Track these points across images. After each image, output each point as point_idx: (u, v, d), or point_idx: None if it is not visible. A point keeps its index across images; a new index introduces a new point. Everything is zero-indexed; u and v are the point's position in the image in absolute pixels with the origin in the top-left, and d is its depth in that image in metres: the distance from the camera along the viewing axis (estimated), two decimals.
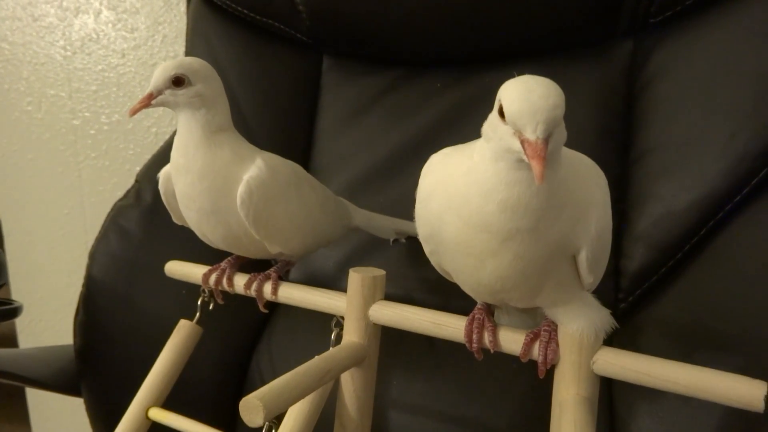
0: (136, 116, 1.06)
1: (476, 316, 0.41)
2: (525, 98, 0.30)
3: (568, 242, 0.35)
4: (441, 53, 0.71)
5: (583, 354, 0.37)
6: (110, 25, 1.05)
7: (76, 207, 1.15)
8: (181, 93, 0.44)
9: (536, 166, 0.29)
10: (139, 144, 1.08)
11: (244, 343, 0.70)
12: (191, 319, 0.57)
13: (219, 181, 0.44)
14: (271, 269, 0.50)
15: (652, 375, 0.35)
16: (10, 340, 1.24)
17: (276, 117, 0.76)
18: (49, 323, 1.20)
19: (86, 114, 1.09)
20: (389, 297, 0.46)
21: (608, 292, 0.58)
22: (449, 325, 0.41)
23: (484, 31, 0.67)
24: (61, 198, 1.14)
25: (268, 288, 0.49)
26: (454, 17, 0.66)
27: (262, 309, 0.50)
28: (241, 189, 0.44)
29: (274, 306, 0.71)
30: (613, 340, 0.57)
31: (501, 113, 0.32)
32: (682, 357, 0.38)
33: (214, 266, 0.52)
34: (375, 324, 0.44)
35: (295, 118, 0.76)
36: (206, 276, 0.52)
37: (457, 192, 0.35)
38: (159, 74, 0.43)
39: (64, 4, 1.06)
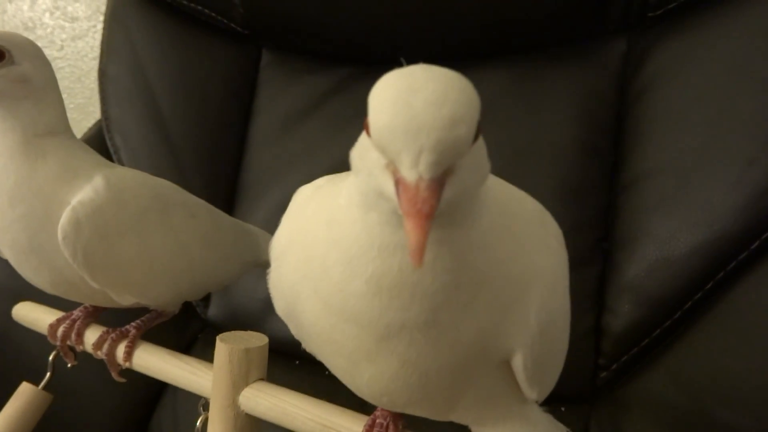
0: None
1: (378, 420, 0.28)
2: (401, 104, 0.17)
3: (493, 341, 0.22)
4: (397, 50, 0.59)
5: None
6: (47, 13, 0.94)
7: None
8: (0, 74, 0.31)
9: (412, 233, 0.16)
10: None
11: (143, 399, 0.57)
12: (76, 370, 0.44)
13: (39, 207, 0.32)
14: (133, 323, 0.38)
15: None
16: None
17: (203, 120, 0.64)
18: None
19: None
20: None
21: (586, 356, 0.45)
22: (341, 430, 0.28)
23: (447, 25, 0.55)
24: None
25: (120, 351, 0.36)
26: (413, 7, 0.54)
27: (116, 378, 0.38)
28: (64, 219, 0.31)
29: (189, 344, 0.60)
30: (590, 418, 0.44)
31: (368, 128, 0.19)
32: None
33: (66, 315, 0.40)
34: (247, 415, 0.31)
35: (225, 122, 0.64)
36: (53, 328, 0.39)
37: (315, 254, 0.22)
38: None
39: None
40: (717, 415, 0.38)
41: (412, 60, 0.64)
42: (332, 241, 0.21)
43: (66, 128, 0.35)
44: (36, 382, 0.57)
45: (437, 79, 0.18)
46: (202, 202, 0.40)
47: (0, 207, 0.32)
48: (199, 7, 0.63)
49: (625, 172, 0.48)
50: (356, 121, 0.59)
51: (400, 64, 0.63)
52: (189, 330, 0.60)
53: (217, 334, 0.62)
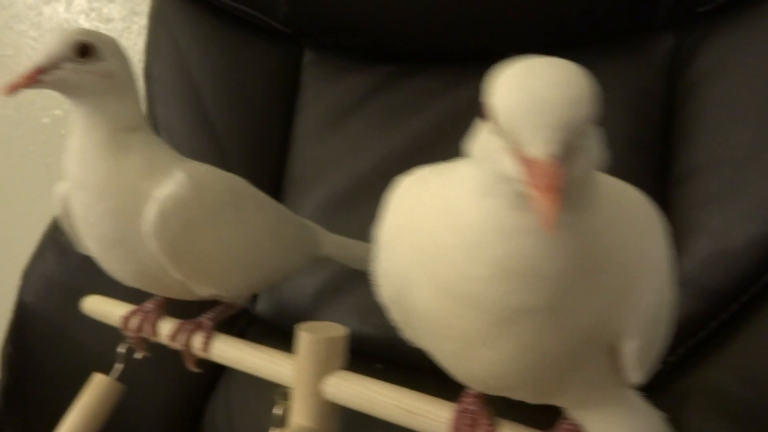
0: None
1: (467, 407, 0.29)
2: (526, 88, 0.19)
3: (607, 326, 0.23)
4: (441, 47, 0.60)
5: None
6: (83, 14, 0.96)
7: (44, 211, 1.06)
8: (86, 69, 0.32)
9: (543, 204, 0.17)
10: None
11: (196, 389, 0.59)
12: (132, 361, 0.45)
13: (124, 201, 0.33)
14: (206, 315, 0.39)
15: None
16: None
17: (247, 118, 0.65)
18: None
19: (57, 112, 1.00)
20: (367, 337, 0.33)
21: None
22: (429, 416, 0.29)
23: (493, 22, 0.55)
24: (27, 202, 1.05)
25: (197, 342, 0.37)
26: (458, 6, 0.55)
27: (191, 368, 0.39)
28: (150, 212, 0.32)
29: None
30: None
31: (490, 117, 0.20)
32: None
33: (137, 307, 0.41)
34: (331, 403, 0.32)
35: (269, 120, 0.65)
36: (126, 319, 0.41)
37: (431, 241, 0.23)
38: (57, 40, 0.32)
39: None
40: None
41: (457, 56, 0.65)
42: (450, 229, 0.22)
43: (143, 123, 0.36)
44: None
45: (557, 65, 0.19)
46: (266, 196, 0.41)
47: (88, 201, 0.33)
48: (243, 7, 0.64)
49: (676, 167, 0.49)
50: (401, 117, 0.60)
51: (444, 62, 0.64)
52: (238, 325, 0.61)
53: (266, 329, 0.63)
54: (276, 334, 0.54)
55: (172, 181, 0.33)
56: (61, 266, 0.61)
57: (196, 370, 0.39)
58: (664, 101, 0.51)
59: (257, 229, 0.38)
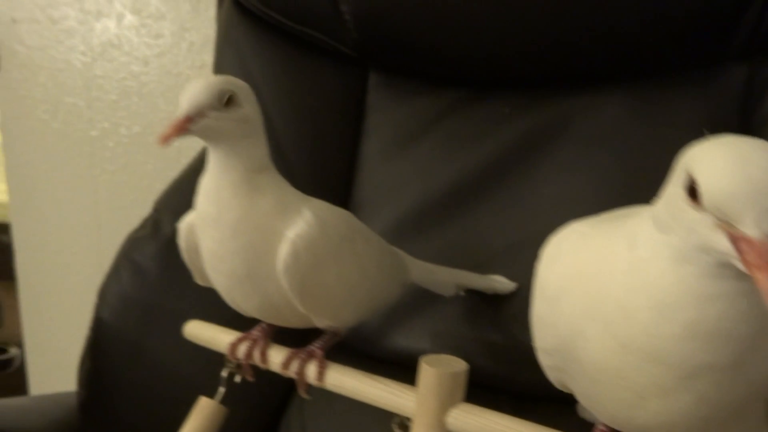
0: (158, 129, 0.99)
1: None
2: (739, 172, 0.20)
3: None
4: (511, 73, 0.61)
5: None
6: (133, 30, 0.98)
7: (90, 223, 1.08)
8: (228, 116, 0.34)
9: (762, 282, 0.19)
10: (160, 159, 1.00)
11: (270, 406, 0.60)
12: (214, 379, 0.47)
13: (257, 239, 0.34)
14: (315, 344, 0.40)
15: None
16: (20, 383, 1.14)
17: (315, 141, 0.66)
18: (58, 349, 1.12)
19: (105, 125, 1.02)
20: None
21: None
22: None
23: (564, 49, 0.57)
24: (75, 214, 1.07)
25: (312, 370, 0.39)
26: (530, 31, 0.56)
27: (303, 394, 0.40)
28: (285, 251, 0.34)
29: None
30: None
31: (692, 193, 0.21)
32: None
33: (244, 334, 0.42)
34: None
35: (335, 143, 0.67)
36: (234, 346, 0.42)
37: (610, 297, 0.24)
38: (200, 91, 0.33)
39: (86, 6, 0.99)
40: None
41: (527, 82, 0.66)
42: (638, 288, 0.23)
43: (270, 163, 0.37)
44: (171, 390, 0.60)
45: (762, 148, 0.20)
46: (367, 227, 0.43)
47: (222, 238, 0.34)
48: (312, 32, 0.65)
49: None
50: (469, 142, 0.62)
51: (513, 88, 0.65)
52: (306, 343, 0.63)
53: (338, 350, 0.64)
54: (348, 354, 0.55)
55: (302, 221, 0.35)
56: (137, 284, 0.62)
57: (307, 397, 0.40)
58: (738, 132, 0.52)
59: (368, 261, 0.39)
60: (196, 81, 0.33)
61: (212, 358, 0.48)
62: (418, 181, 0.62)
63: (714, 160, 0.21)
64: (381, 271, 0.41)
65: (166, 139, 0.31)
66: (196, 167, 0.67)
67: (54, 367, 1.14)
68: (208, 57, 0.94)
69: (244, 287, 0.36)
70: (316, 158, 0.66)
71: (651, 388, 0.24)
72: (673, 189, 0.23)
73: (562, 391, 0.34)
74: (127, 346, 0.61)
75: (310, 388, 0.59)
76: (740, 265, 0.20)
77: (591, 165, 0.56)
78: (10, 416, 0.60)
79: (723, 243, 0.21)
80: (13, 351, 0.57)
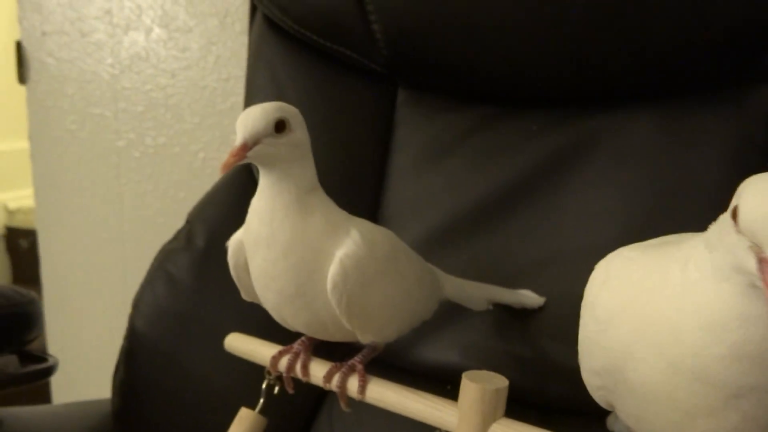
0: (183, 140, 1.01)
1: None
2: None
3: None
4: (539, 90, 0.62)
5: None
6: (161, 43, 1.00)
7: (115, 232, 1.10)
8: (282, 142, 0.35)
9: None
10: (186, 169, 1.02)
11: (299, 415, 0.61)
12: (248, 388, 0.48)
13: (308, 258, 0.36)
14: (356, 358, 0.42)
15: None
16: (43, 388, 1.17)
17: (344, 156, 0.67)
18: (82, 363, 1.14)
19: (131, 135, 1.04)
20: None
21: None
22: None
23: (595, 66, 0.58)
24: (100, 222, 1.09)
25: (354, 384, 0.40)
26: (559, 48, 0.57)
27: (344, 408, 0.41)
28: (334, 270, 0.35)
29: None
30: None
31: (735, 216, 0.23)
32: None
33: (286, 348, 0.44)
34: None
35: (364, 158, 0.68)
36: (275, 359, 0.43)
37: (661, 321, 0.26)
38: (257, 118, 0.35)
39: (115, 20, 1.01)
40: None
41: (555, 100, 0.67)
42: (683, 309, 0.25)
43: (318, 184, 0.39)
44: (204, 400, 0.61)
45: None
46: (407, 246, 0.44)
47: (274, 257, 0.36)
48: (342, 49, 0.67)
49: None
50: (497, 158, 0.63)
51: (541, 106, 0.66)
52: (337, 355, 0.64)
53: (371, 362, 0.65)
54: (379, 367, 0.57)
55: (351, 240, 0.36)
56: (171, 295, 0.64)
57: (348, 410, 0.42)
58: (766, 150, 0.53)
59: (410, 279, 0.41)
60: (252, 109, 0.35)
61: (244, 369, 0.50)
62: (446, 197, 0.64)
63: (757, 188, 0.23)
64: (421, 288, 0.43)
65: (227, 167, 0.32)
66: (229, 181, 0.69)
67: (77, 374, 1.15)
68: (234, 70, 0.96)
69: (293, 305, 0.37)
70: (346, 172, 0.67)
71: (699, 408, 0.25)
72: (725, 213, 0.25)
73: (589, 405, 0.35)
74: (161, 356, 0.62)
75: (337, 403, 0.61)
76: (760, 284, 0.21)
77: (619, 183, 0.57)
78: (47, 424, 0.62)
79: (751, 263, 0.22)
80: (52, 360, 0.59)
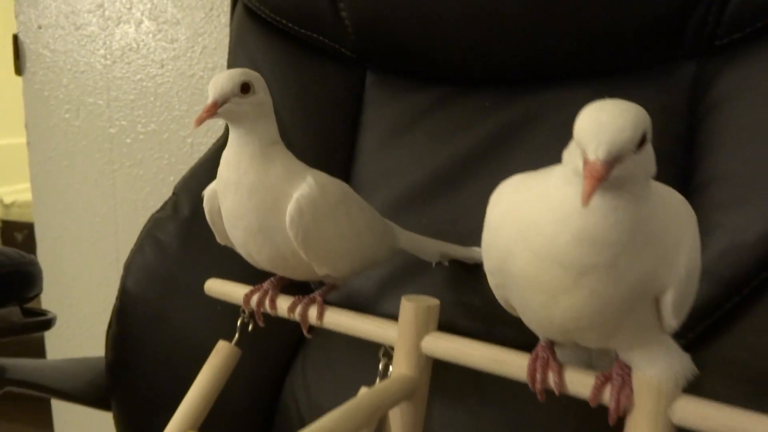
0: (172, 126, 1.07)
1: (540, 354, 0.38)
2: (593, 117, 0.29)
3: (652, 282, 0.32)
4: (491, 71, 0.69)
5: (661, 402, 0.34)
6: (150, 35, 1.06)
7: (108, 214, 1.15)
8: (247, 101, 0.42)
9: (585, 186, 0.27)
10: (174, 154, 1.07)
11: (277, 363, 0.68)
12: (226, 338, 0.55)
13: (269, 198, 0.42)
14: (316, 292, 0.48)
15: (739, 429, 0.32)
16: (38, 349, 1.23)
17: (317, 132, 0.74)
18: (76, 332, 1.20)
19: (123, 123, 1.10)
20: None
21: None
22: (511, 363, 0.38)
23: (537, 50, 0.64)
24: (94, 205, 1.15)
25: (313, 313, 0.47)
26: (506, 35, 0.64)
27: (306, 334, 0.48)
28: (291, 207, 0.42)
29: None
30: None
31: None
32: (748, 402, 0.35)
33: (256, 287, 0.50)
34: (427, 356, 0.42)
35: (336, 134, 0.74)
36: (248, 297, 0.50)
37: (529, 220, 0.32)
38: (224, 81, 0.41)
39: (107, 13, 1.07)
40: None
41: (506, 79, 0.74)
42: (545, 209, 0.31)
43: (279, 140, 0.45)
44: (188, 351, 0.67)
45: (617, 105, 0.29)
46: (360, 198, 0.51)
47: (240, 199, 0.42)
48: (315, 35, 0.73)
49: (697, 176, 0.57)
50: (455, 132, 0.70)
51: (493, 84, 0.73)
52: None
53: None
54: None
55: (306, 184, 0.43)
56: (159, 258, 0.70)
57: (308, 336, 0.48)
58: (687, 120, 0.60)
59: (360, 223, 0.47)
60: (221, 74, 0.41)
61: (225, 323, 0.56)
62: (410, 168, 0.70)
63: (585, 110, 0.30)
64: (372, 233, 0.49)
65: (200, 121, 0.39)
66: (209, 158, 0.75)
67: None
68: (220, 60, 1.02)
69: (257, 240, 0.44)
70: (319, 148, 0.74)
71: (558, 288, 0.32)
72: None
73: (529, 346, 0.41)
74: (149, 312, 0.68)
75: (311, 345, 0.67)
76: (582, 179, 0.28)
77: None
78: (47, 374, 0.68)
79: (580, 165, 0.29)
80: (51, 314, 0.65)
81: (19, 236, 2.28)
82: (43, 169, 1.17)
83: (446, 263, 0.63)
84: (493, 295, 0.63)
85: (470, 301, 0.63)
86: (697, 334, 0.54)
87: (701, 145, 0.58)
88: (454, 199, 0.67)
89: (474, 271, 0.64)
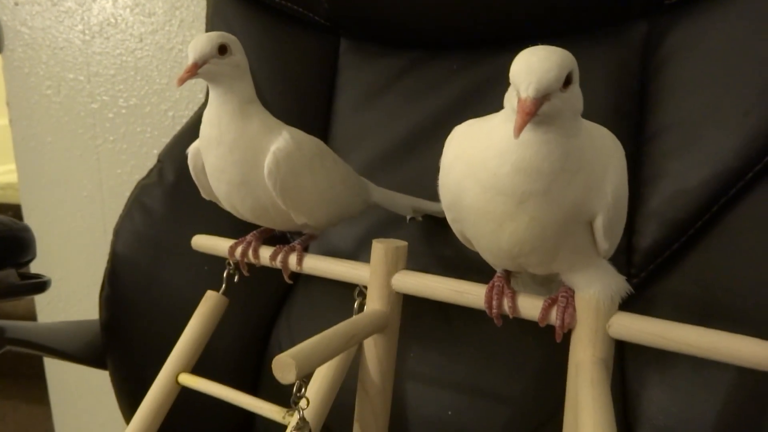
0: (153, 100, 1.09)
1: (496, 283, 0.42)
2: (524, 60, 0.33)
3: (583, 208, 0.36)
4: (457, 35, 0.73)
5: (600, 318, 0.39)
6: (128, 9, 1.07)
7: (94, 189, 1.17)
8: (225, 62, 0.45)
9: (517, 120, 0.31)
10: (157, 127, 1.10)
11: (264, 313, 0.72)
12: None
13: (249, 153, 0.46)
14: (296, 242, 0.52)
15: (666, 337, 0.37)
16: (30, 318, 1.26)
17: (294, 98, 0.77)
18: (67, 302, 1.23)
19: (104, 98, 1.11)
20: None
21: (621, 268, 0.58)
22: (470, 293, 0.43)
23: (500, 15, 0.68)
24: (79, 180, 1.16)
25: (293, 259, 0.51)
26: (471, 3, 0.68)
27: (287, 280, 0.52)
28: (268, 160, 0.45)
29: (293, 279, 0.74)
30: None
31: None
32: None
33: (240, 239, 0.54)
34: (397, 293, 0.46)
35: (312, 100, 0.78)
36: (232, 248, 0.54)
37: (476, 157, 0.36)
38: (203, 43, 0.44)
39: None
40: (725, 301, 0.52)
41: (471, 43, 0.78)
42: (489, 145, 0.35)
43: (256, 99, 0.49)
44: (177, 309, 0.71)
45: (547, 49, 0.33)
46: (335, 154, 0.54)
47: (222, 153, 0.46)
48: (290, 4, 0.76)
49: (648, 127, 0.62)
50: (425, 94, 0.73)
51: (460, 48, 0.77)
52: None
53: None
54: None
55: (282, 138, 0.46)
56: (147, 223, 0.73)
57: (290, 281, 0.52)
58: (639, 76, 0.64)
59: (334, 175, 0.51)
60: (200, 36, 0.45)
61: (211, 280, 0.60)
62: (383, 129, 0.74)
63: (519, 56, 0.33)
64: (347, 186, 0.53)
65: (182, 81, 0.42)
66: (190, 127, 0.78)
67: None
68: (198, 32, 1.04)
69: (240, 192, 0.47)
70: (298, 112, 0.77)
71: (503, 216, 0.36)
72: None
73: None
74: (140, 273, 0.72)
75: (296, 296, 0.71)
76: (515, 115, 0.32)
77: None
78: (44, 335, 0.72)
79: (515, 103, 0.33)
80: (45, 277, 0.68)
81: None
82: (27, 146, 1.19)
83: (419, 218, 0.67)
84: (461, 245, 0.68)
85: (442, 252, 0.67)
86: (649, 272, 0.59)
87: (652, 99, 0.62)
88: (425, 157, 0.70)
89: (445, 225, 0.67)
